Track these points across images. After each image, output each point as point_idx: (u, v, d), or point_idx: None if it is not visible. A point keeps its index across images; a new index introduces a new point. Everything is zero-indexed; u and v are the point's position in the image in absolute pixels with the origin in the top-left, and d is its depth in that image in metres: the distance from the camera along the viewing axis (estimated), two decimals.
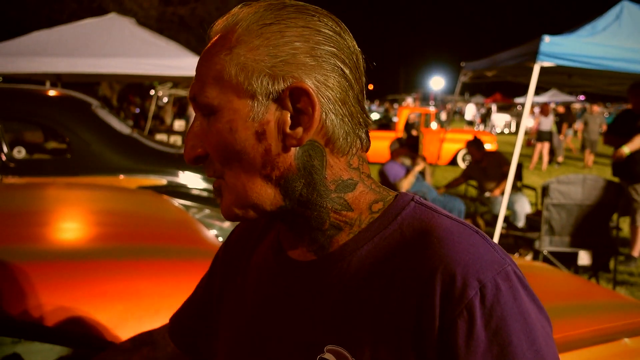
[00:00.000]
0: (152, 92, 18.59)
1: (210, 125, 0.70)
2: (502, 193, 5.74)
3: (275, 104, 0.68)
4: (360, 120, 0.72)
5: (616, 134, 5.48)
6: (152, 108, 16.41)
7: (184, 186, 4.31)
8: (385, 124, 16.83)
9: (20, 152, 4.49)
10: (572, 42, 4.80)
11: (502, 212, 4.86)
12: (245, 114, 0.68)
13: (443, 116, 21.27)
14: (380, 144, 8.63)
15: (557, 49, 4.69)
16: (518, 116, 29.77)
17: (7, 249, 1.39)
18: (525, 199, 6.19)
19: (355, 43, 0.72)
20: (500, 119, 29.42)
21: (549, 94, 24.37)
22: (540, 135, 13.83)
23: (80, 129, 4.21)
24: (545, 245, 4.60)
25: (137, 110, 19.26)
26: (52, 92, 4.75)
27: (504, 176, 6.36)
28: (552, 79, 6.69)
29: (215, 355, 0.87)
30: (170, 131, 14.42)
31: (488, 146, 13.72)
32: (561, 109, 17.25)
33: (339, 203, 0.72)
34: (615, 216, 4.95)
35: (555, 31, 5.12)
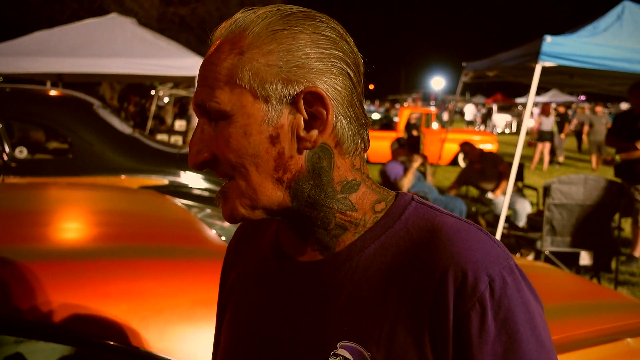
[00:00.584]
0: (153, 92, 18.59)
1: (220, 129, 0.70)
2: (504, 193, 5.74)
3: (289, 108, 0.70)
4: (363, 121, 0.74)
5: (617, 135, 5.47)
6: (153, 108, 16.42)
7: (185, 186, 4.31)
8: (386, 124, 16.83)
9: (22, 152, 4.47)
10: (573, 42, 4.80)
11: (504, 212, 4.86)
12: (260, 118, 0.69)
13: (445, 116, 21.27)
14: (381, 144, 8.63)
15: (558, 49, 4.69)
16: (519, 116, 29.76)
17: (10, 249, 1.39)
18: (526, 199, 6.19)
19: (355, 47, 0.74)
20: (501, 119, 29.41)
21: (549, 94, 24.35)
22: (541, 136, 13.82)
23: (82, 129, 4.21)
24: (547, 246, 4.60)
25: (137, 109, 19.25)
26: (53, 92, 4.76)
27: (502, 175, 6.36)
28: (553, 79, 6.69)
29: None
30: (171, 131, 14.42)
31: (489, 146, 13.73)
32: (562, 109, 17.23)
33: (344, 203, 0.74)
34: (616, 216, 4.95)
35: (557, 31, 5.12)
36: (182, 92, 16.76)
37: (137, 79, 11.19)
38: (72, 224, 1.89)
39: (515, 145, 4.83)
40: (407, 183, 5.83)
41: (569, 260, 4.63)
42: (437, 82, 54.98)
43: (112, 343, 1.19)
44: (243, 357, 0.79)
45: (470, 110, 28.64)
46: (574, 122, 17.80)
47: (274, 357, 0.76)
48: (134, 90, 21.33)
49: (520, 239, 5.19)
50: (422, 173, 6.73)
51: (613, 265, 4.95)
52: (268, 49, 0.69)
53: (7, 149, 4.08)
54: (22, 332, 1.26)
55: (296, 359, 0.74)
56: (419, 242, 0.70)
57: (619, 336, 1.83)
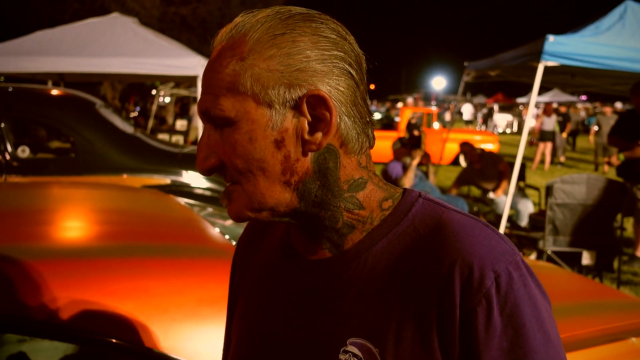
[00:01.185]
0: (154, 91, 18.60)
1: (225, 136, 0.71)
2: (505, 193, 5.74)
3: (293, 112, 0.70)
4: (367, 119, 0.75)
5: (619, 134, 5.47)
6: (154, 108, 16.43)
7: (187, 185, 4.31)
8: (387, 123, 16.82)
9: (24, 152, 4.47)
10: (576, 42, 4.79)
11: (506, 212, 4.86)
12: (264, 124, 0.69)
13: (447, 117, 21.25)
14: (383, 144, 8.62)
15: (561, 48, 4.69)
16: (520, 116, 29.74)
17: (13, 248, 1.39)
18: (528, 198, 6.19)
19: (357, 45, 0.75)
20: (502, 119, 29.40)
21: (550, 94, 24.34)
22: (543, 135, 13.80)
23: (84, 128, 4.21)
24: (549, 245, 4.59)
25: (137, 109, 19.27)
26: (55, 92, 4.76)
27: (502, 174, 6.36)
28: (555, 78, 6.68)
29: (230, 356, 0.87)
30: (172, 131, 14.43)
31: (490, 146, 13.72)
32: (564, 109, 17.21)
33: (351, 202, 0.74)
34: (619, 216, 4.95)
35: (559, 31, 5.11)
36: (183, 92, 16.77)
37: (138, 78, 11.19)
38: (75, 222, 1.88)
39: (516, 145, 4.83)
40: (408, 181, 5.83)
41: (571, 260, 4.63)
42: (438, 82, 54.98)
43: (116, 341, 1.19)
44: (253, 355, 0.80)
45: (468, 110, 28.60)
46: (592, 129, 17.22)
47: (284, 354, 0.76)
48: (135, 90, 21.35)
49: (523, 238, 5.19)
50: (424, 173, 6.72)
51: (615, 265, 4.95)
52: (269, 54, 0.69)
53: (9, 148, 4.08)
54: (25, 330, 1.26)
55: (306, 356, 0.74)
56: (425, 239, 0.71)
57: (623, 335, 1.83)
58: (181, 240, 1.76)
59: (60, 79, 8.22)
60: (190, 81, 10.16)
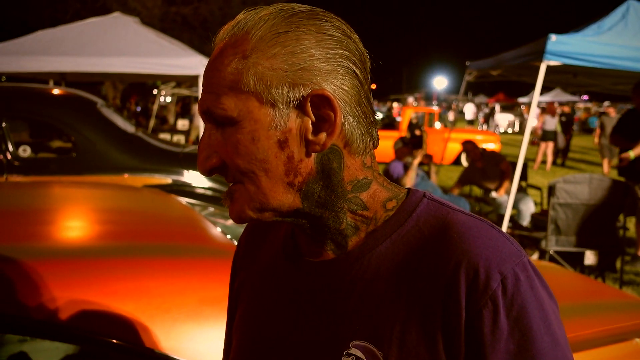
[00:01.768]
0: (155, 91, 18.60)
1: (227, 135, 0.70)
2: (507, 192, 5.73)
3: (296, 111, 0.69)
4: (371, 119, 0.74)
5: (621, 134, 5.45)
6: (155, 107, 16.43)
7: (188, 185, 4.30)
8: (388, 123, 16.81)
9: (25, 151, 4.49)
10: (578, 41, 4.78)
11: (508, 212, 4.85)
12: (267, 123, 0.68)
13: (451, 116, 21.22)
14: (384, 144, 8.60)
15: (563, 47, 4.68)
16: (521, 116, 29.71)
17: (14, 247, 1.38)
18: (530, 198, 6.17)
19: (361, 43, 0.73)
20: (503, 119, 29.39)
21: (552, 94, 24.32)
22: (545, 135, 13.78)
23: (85, 127, 4.21)
24: (552, 245, 4.58)
25: (139, 109, 19.27)
26: (57, 91, 4.75)
27: (504, 174, 6.34)
28: (557, 78, 6.67)
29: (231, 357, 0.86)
30: (173, 130, 14.44)
31: (491, 146, 13.71)
32: (567, 109, 17.16)
33: (355, 203, 0.73)
34: (621, 216, 4.93)
35: (561, 30, 5.10)
36: (184, 92, 16.77)
37: (140, 78, 11.19)
38: (76, 222, 1.88)
39: (517, 145, 4.82)
40: (409, 181, 5.82)
41: (574, 260, 4.62)
42: (440, 82, 54.94)
43: (117, 342, 1.18)
44: (255, 357, 0.79)
45: (470, 110, 28.57)
46: (597, 130, 16.68)
47: (286, 356, 0.75)
48: (136, 90, 21.36)
49: (525, 238, 5.18)
50: (426, 172, 6.71)
51: (618, 265, 4.94)
52: (272, 52, 0.67)
53: (10, 147, 4.08)
54: (26, 330, 1.25)
55: (309, 359, 0.73)
56: (430, 240, 0.70)
57: (627, 336, 1.82)
58: (183, 240, 1.75)
59: (61, 78, 8.22)
60: (191, 81, 10.16)
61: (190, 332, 1.23)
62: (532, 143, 16.14)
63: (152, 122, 15.49)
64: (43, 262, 1.30)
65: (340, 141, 0.71)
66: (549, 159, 13.97)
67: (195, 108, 15.66)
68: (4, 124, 4.09)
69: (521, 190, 6.42)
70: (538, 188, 7.20)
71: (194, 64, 6.70)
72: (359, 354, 0.69)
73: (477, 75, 7.47)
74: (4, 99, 4.30)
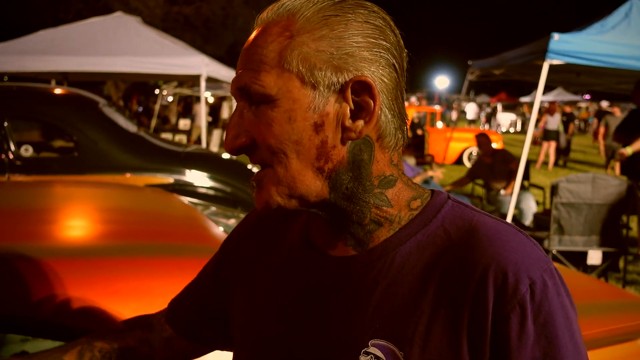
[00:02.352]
0: (157, 91, 18.62)
1: (261, 113, 0.69)
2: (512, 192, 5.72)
3: (336, 96, 0.68)
4: (405, 116, 0.74)
5: (623, 132, 5.45)
6: (157, 107, 16.45)
7: (190, 184, 4.30)
8: None
9: (27, 151, 4.49)
10: (581, 40, 4.77)
11: (511, 211, 4.84)
12: (306, 104, 0.67)
13: (454, 116, 21.19)
14: None
15: (566, 46, 4.67)
16: (523, 115, 29.66)
17: (15, 247, 1.38)
18: (532, 197, 6.16)
19: (401, 40, 0.73)
20: (505, 118, 29.35)
21: (554, 93, 24.29)
22: (547, 134, 13.75)
23: (87, 127, 4.21)
24: (555, 245, 4.57)
25: (140, 109, 19.30)
26: (59, 91, 4.75)
27: (512, 173, 6.32)
28: (559, 77, 6.66)
29: (235, 345, 0.86)
30: (175, 130, 14.46)
31: (493, 145, 13.68)
32: (568, 109, 17.12)
33: (380, 199, 0.72)
34: (624, 215, 4.92)
35: (564, 29, 5.08)
36: (186, 91, 16.79)
37: (142, 77, 11.20)
38: (78, 221, 1.87)
39: (520, 144, 4.81)
40: None
41: (577, 260, 4.61)
42: (441, 81, 54.88)
43: None
44: (271, 352, 0.77)
45: (471, 109, 28.55)
46: (602, 129, 16.21)
47: (303, 352, 0.74)
48: (138, 90, 21.39)
49: None
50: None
51: (621, 264, 4.92)
52: (319, 34, 0.67)
53: (12, 147, 4.08)
54: (28, 330, 1.25)
55: (324, 356, 0.72)
56: (457, 242, 0.69)
57: (631, 336, 1.81)
58: (185, 239, 1.74)
59: (63, 78, 8.24)
60: (193, 80, 10.17)
61: None
62: (534, 142, 16.12)
63: (154, 122, 15.51)
64: (45, 262, 1.30)
65: (374, 133, 0.70)
66: (551, 158, 13.95)
67: (197, 108, 15.70)
68: (6, 124, 4.09)
69: (523, 189, 6.41)
70: (540, 187, 7.18)
71: (196, 63, 6.71)
72: (378, 353, 0.68)
73: (479, 75, 7.47)
74: (6, 98, 4.31)
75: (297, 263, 0.79)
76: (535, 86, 4.84)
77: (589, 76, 6.18)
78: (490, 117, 29.77)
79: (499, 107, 30.92)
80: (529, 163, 6.81)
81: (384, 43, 0.69)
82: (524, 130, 26.73)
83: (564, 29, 5.20)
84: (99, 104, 4.54)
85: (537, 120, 14.36)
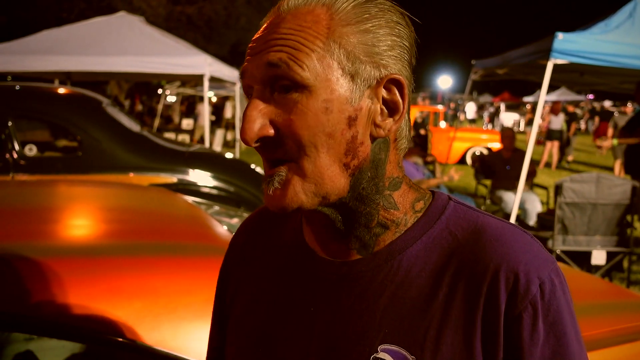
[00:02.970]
0: (160, 90, 18.64)
1: (292, 102, 0.65)
2: (515, 191, 5.69)
3: (370, 91, 0.67)
4: (410, 119, 0.73)
5: (628, 130, 5.44)
6: (160, 107, 16.47)
7: (194, 184, 4.30)
8: None
9: (31, 150, 4.48)
10: (585, 39, 4.75)
11: (515, 211, 4.83)
12: (343, 97, 0.65)
13: (462, 116, 21.17)
14: None
15: (570, 46, 4.65)
16: (526, 115, 29.59)
17: (19, 246, 1.38)
18: (536, 197, 6.14)
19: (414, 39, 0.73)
20: (508, 118, 29.29)
21: (557, 93, 24.22)
22: (550, 134, 13.70)
23: (91, 126, 4.21)
24: (559, 245, 4.56)
25: (140, 108, 19.33)
26: (62, 90, 4.76)
27: (529, 175, 6.28)
28: (563, 77, 6.64)
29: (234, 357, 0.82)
30: (178, 129, 14.48)
31: (496, 145, 13.66)
32: (571, 108, 17.08)
33: (389, 201, 0.71)
34: (629, 215, 4.90)
35: (568, 28, 5.06)
36: (189, 91, 16.80)
37: (145, 77, 11.22)
38: (82, 221, 1.88)
39: (523, 143, 4.79)
40: (426, 187, 5.77)
41: (581, 260, 4.60)
42: (445, 81, 54.78)
43: (123, 341, 1.18)
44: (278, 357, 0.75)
45: (471, 109, 28.51)
46: (610, 131, 15.93)
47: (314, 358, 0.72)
48: (141, 89, 21.41)
49: None
50: (432, 172, 6.69)
51: (625, 264, 4.90)
52: (364, 27, 0.66)
53: (16, 146, 4.09)
54: (32, 329, 1.25)
55: None
56: (464, 243, 0.69)
57: (636, 336, 1.80)
58: (189, 238, 1.74)
59: (67, 77, 8.25)
60: (196, 80, 10.18)
61: (197, 331, 1.22)
62: (538, 142, 16.08)
63: (157, 122, 15.53)
64: (49, 261, 1.30)
65: (393, 133, 0.70)
66: (555, 158, 13.90)
67: (200, 107, 15.71)
68: (10, 123, 4.10)
69: (528, 189, 6.38)
70: (544, 187, 7.17)
71: (199, 63, 6.71)
72: (388, 358, 0.67)
73: (482, 74, 7.44)
74: (9, 98, 4.31)
75: (297, 270, 0.77)
76: (538, 86, 4.83)
77: (593, 75, 6.16)
78: (494, 116, 29.71)
79: (502, 106, 30.86)
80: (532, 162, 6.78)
81: (406, 43, 0.69)
82: (527, 130, 26.63)
83: (568, 28, 5.19)
84: (103, 104, 4.55)
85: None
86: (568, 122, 15.36)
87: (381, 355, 0.67)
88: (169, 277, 1.34)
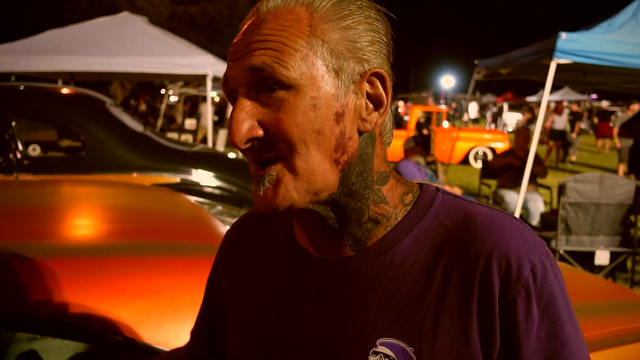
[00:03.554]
0: (163, 91, 18.67)
1: (279, 101, 0.65)
2: (517, 191, 5.68)
3: (354, 86, 0.68)
4: (392, 114, 0.74)
5: (627, 128, 5.44)
6: (163, 107, 16.49)
7: (196, 184, 4.31)
8: (396, 122, 16.79)
9: (35, 150, 4.50)
10: (589, 39, 4.74)
11: (518, 211, 4.82)
12: (330, 93, 0.66)
13: (465, 117, 21.15)
14: (393, 143, 8.58)
15: (573, 45, 4.64)
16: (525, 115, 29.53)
17: (23, 246, 1.38)
18: (540, 197, 6.13)
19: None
20: (511, 118, 29.24)
21: (560, 93, 24.17)
22: (553, 134, 13.68)
23: (94, 126, 4.22)
24: (562, 245, 4.55)
25: (145, 108, 19.36)
26: (66, 90, 4.77)
27: (535, 175, 6.27)
28: (566, 76, 6.62)
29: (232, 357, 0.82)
30: (181, 130, 14.49)
31: (500, 145, 13.64)
32: (575, 108, 17.05)
33: (378, 195, 0.72)
34: (632, 215, 4.89)
35: (571, 28, 5.05)
36: (192, 91, 16.81)
37: (148, 77, 11.23)
38: (85, 220, 1.88)
39: None
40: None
41: (584, 260, 4.59)
42: (448, 81, 54.72)
43: (127, 340, 1.18)
44: (279, 356, 0.75)
45: (473, 109, 28.50)
46: (615, 130, 15.38)
47: (310, 358, 0.72)
48: (144, 89, 21.44)
49: None
50: (434, 172, 6.67)
51: (629, 264, 4.89)
52: (344, 23, 0.67)
53: (20, 146, 4.10)
54: (36, 328, 1.25)
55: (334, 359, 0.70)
56: (455, 233, 0.70)
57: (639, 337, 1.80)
58: (192, 238, 1.75)
59: (70, 78, 8.26)
60: (199, 80, 10.18)
61: None
62: (541, 142, 16.06)
63: (160, 122, 15.55)
64: (52, 261, 1.30)
65: (378, 127, 0.71)
66: (558, 157, 13.88)
67: (203, 107, 15.74)
68: (13, 123, 4.11)
69: (531, 189, 6.37)
70: (547, 187, 7.15)
71: (202, 63, 6.71)
72: (387, 351, 0.67)
73: (485, 74, 7.43)
74: (13, 98, 4.32)
75: (291, 270, 0.77)
76: (541, 85, 4.82)
77: (596, 75, 6.14)
78: (497, 116, 29.67)
79: (505, 106, 30.82)
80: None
81: (384, 39, 0.70)
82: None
83: (572, 27, 5.18)
84: (106, 104, 4.56)
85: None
86: (572, 122, 15.33)
87: (380, 349, 0.68)
88: (172, 277, 1.34)
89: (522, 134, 6.57)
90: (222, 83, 0.70)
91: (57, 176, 3.97)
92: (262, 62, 0.64)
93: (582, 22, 6.19)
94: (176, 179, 4.24)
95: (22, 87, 4.46)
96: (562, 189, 4.52)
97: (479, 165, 12.50)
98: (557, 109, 13.90)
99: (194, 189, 4.22)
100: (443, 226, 0.71)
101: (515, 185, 6.26)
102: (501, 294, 0.66)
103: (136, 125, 4.67)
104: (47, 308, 1.18)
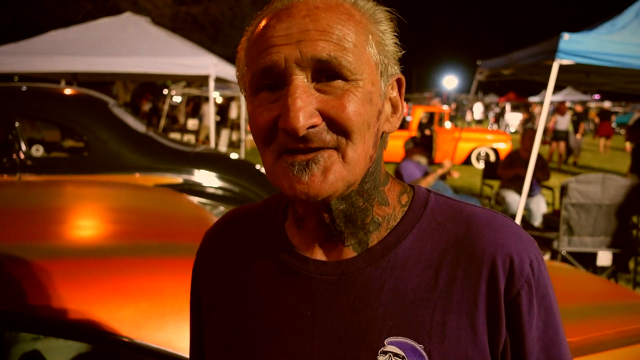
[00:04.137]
0: (166, 91, 18.69)
1: (340, 90, 0.65)
2: (519, 192, 5.67)
3: (387, 88, 0.72)
4: None
5: (636, 131, 5.43)
6: (166, 107, 16.51)
7: (199, 184, 4.31)
8: None
9: (38, 151, 4.51)
10: (591, 40, 4.73)
11: (520, 212, 4.81)
12: (379, 90, 0.70)
13: (469, 117, 21.12)
14: (393, 143, 8.58)
15: (576, 46, 4.63)
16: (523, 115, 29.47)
17: (27, 246, 1.39)
18: (542, 198, 6.12)
19: None
20: (514, 118, 29.19)
21: (563, 93, 24.12)
22: (556, 135, 13.65)
23: (97, 127, 4.23)
24: (564, 246, 4.54)
25: (147, 108, 19.38)
26: (69, 91, 4.78)
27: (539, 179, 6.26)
28: (569, 77, 6.61)
29: None
30: (184, 130, 14.51)
31: (502, 145, 13.62)
32: (579, 108, 16.99)
33: (382, 197, 0.74)
34: (635, 216, 4.88)
35: (573, 29, 5.04)
36: (194, 92, 16.83)
37: (150, 77, 11.24)
38: (88, 221, 1.88)
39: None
40: (425, 185, 5.77)
41: (586, 261, 4.58)
42: (450, 81, 54.64)
43: (130, 341, 1.18)
44: None
45: (478, 109, 28.46)
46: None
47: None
48: (147, 90, 21.46)
49: (536, 238, 5.12)
50: (442, 177, 6.65)
51: (631, 265, 4.88)
52: (382, 27, 0.71)
53: (23, 147, 4.11)
54: (39, 329, 1.25)
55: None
56: (456, 232, 0.72)
57: None
58: (194, 239, 1.75)
59: (73, 78, 8.28)
60: (201, 80, 10.19)
61: None
62: (544, 142, 16.02)
63: (162, 122, 15.58)
64: (56, 261, 1.31)
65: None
66: (561, 159, 13.86)
67: (205, 108, 15.74)
68: (16, 124, 4.12)
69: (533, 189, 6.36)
70: (550, 188, 7.14)
71: (205, 63, 6.72)
72: (396, 350, 0.68)
73: (488, 75, 7.42)
74: (16, 98, 4.34)
75: (287, 275, 0.75)
76: (544, 86, 4.80)
77: (598, 76, 6.13)
78: (499, 117, 29.62)
79: (508, 107, 30.76)
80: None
81: (398, 44, 0.73)
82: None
83: (574, 28, 5.17)
84: (109, 104, 4.57)
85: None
86: (576, 122, 15.28)
87: (389, 348, 0.68)
88: (174, 277, 1.34)
89: (528, 135, 6.55)
90: (258, 71, 0.67)
91: (60, 176, 3.98)
92: (328, 54, 0.64)
93: (585, 22, 6.18)
94: (179, 179, 4.25)
95: (25, 88, 4.47)
96: (564, 190, 4.52)
97: (481, 166, 12.48)
98: (559, 109, 13.86)
99: (197, 189, 4.23)
100: (442, 225, 0.73)
101: (517, 186, 6.25)
102: (506, 288, 0.69)
103: (139, 126, 4.68)
104: (50, 308, 1.19)
